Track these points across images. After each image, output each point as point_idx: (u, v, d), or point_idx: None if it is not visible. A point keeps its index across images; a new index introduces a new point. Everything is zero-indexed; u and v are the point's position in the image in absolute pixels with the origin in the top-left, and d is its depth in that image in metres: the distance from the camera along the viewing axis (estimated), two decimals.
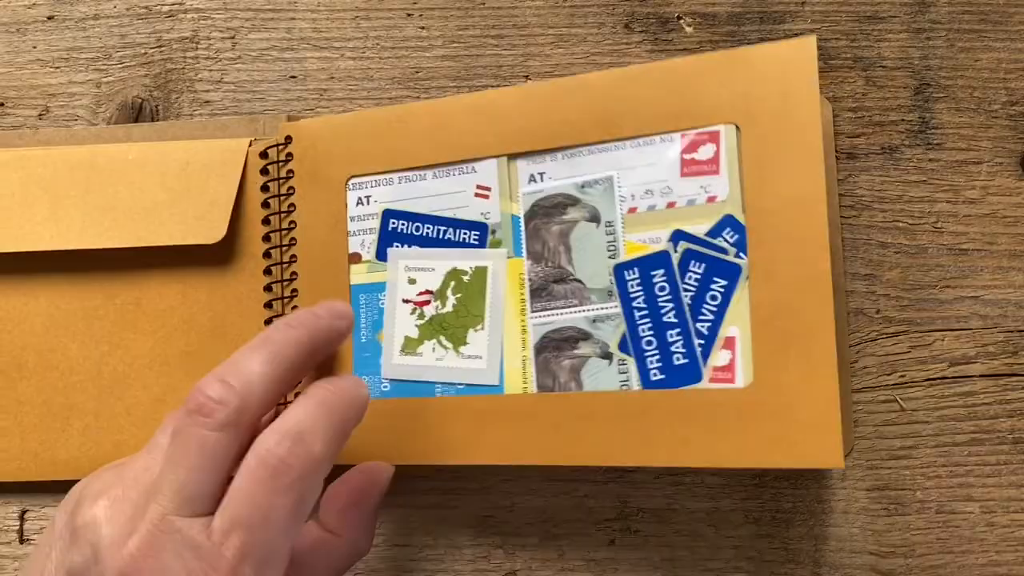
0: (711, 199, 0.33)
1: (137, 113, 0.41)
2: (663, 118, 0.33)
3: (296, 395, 0.35)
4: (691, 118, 0.33)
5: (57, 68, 0.42)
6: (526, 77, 0.41)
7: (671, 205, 0.34)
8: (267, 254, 0.39)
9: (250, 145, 0.39)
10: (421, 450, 0.36)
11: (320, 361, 0.33)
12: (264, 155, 0.39)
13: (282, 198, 0.39)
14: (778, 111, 0.31)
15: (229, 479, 0.28)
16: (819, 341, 0.30)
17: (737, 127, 0.32)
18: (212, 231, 0.38)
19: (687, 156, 0.33)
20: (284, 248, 0.39)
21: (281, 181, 0.39)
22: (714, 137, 0.33)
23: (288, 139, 0.39)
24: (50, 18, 0.42)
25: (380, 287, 0.37)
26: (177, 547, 0.27)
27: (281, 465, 0.28)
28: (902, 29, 0.40)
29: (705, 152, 0.33)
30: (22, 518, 0.40)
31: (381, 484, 0.35)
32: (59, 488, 0.39)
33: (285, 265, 0.39)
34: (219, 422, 0.28)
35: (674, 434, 0.32)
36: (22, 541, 0.40)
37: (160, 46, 0.42)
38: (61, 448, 0.39)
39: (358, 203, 0.38)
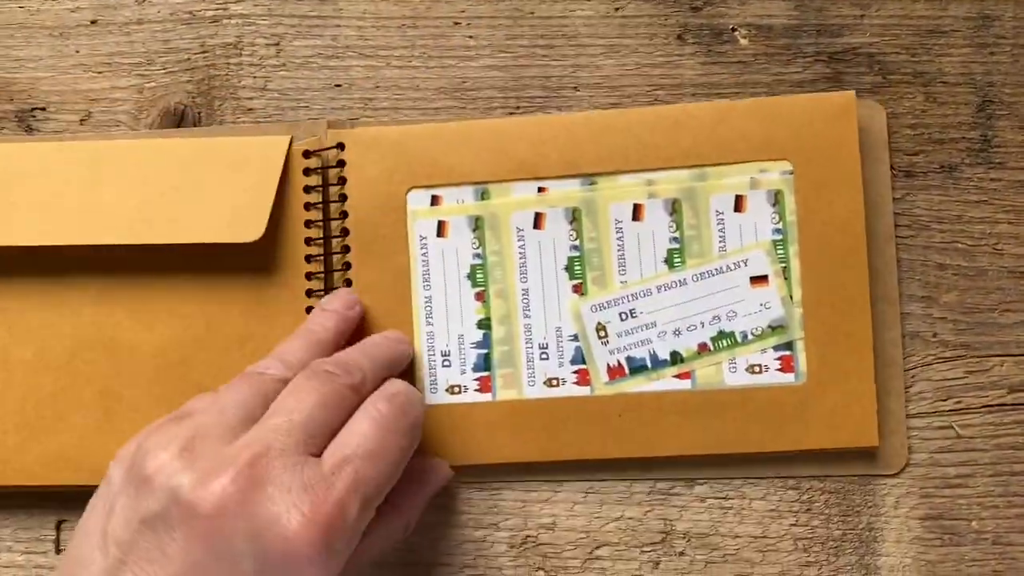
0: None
1: (179, 120, 0.41)
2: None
3: None
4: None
5: (100, 73, 0.41)
6: (575, 88, 0.40)
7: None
8: (309, 258, 0.38)
9: (291, 144, 0.39)
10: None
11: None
12: (308, 155, 0.39)
13: (332, 204, 0.39)
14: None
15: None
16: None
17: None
18: (250, 229, 0.38)
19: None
20: (335, 255, 0.39)
21: (332, 187, 0.39)
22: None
23: (340, 145, 0.39)
24: (93, 22, 0.41)
25: None
26: (282, 479, 0.28)
27: (399, 411, 0.31)
28: (965, 44, 0.39)
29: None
30: (58, 528, 0.40)
31: (442, 478, 0.37)
32: None
33: (339, 273, 0.39)
34: (353, 383, 0.32)
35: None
36: (59, 551, 0.40)
37: (204, 52, 0.41)
38: (99, 449, 0.38)
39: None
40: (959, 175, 0.39)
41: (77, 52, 0.41)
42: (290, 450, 0.29)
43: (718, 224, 0.38)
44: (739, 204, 0.38)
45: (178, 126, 0.41)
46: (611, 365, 0.38)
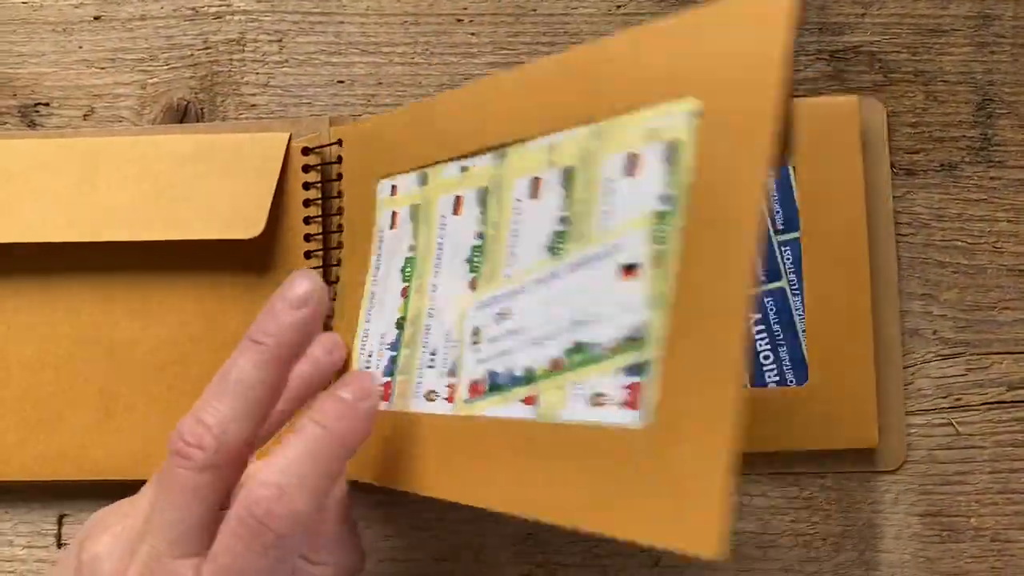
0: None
1: (182, 115, 0.41)
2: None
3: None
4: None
5: (103, 69, 0.41)
6: None
7: None
8: (308, 254, 0.39)
9: (290, 141, 0.39)
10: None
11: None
12: (306, 152, 0.39)
13: (332, 200, 0.39)
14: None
15: (222, 512, 0.28)
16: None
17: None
18: (250, 225, 0.38)
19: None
20: (334, 251, 0.39)
21: (332, 183, 0.39)
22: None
23: (339, 142, 0.39)
24: (97, 18, 0.42)
25: None
26: None
27: (260, 526, 0.27)
28: (965, 43, 0.39)
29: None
30: (60, 522, 0.40)
31: (345, 499, 0.32)
32: (97, 492, 0.39)
33: (334, 267, 0.38)
34: (199, 464, 0.28)
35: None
36: (59, 545, 0.40)
37: (207, 48, 0.41)
38: (98, 447, 0.38)
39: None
40: (959, 173, 0.39)
41: (80, 48, 0.42)
42: (171, 552, 0.28)
43: (606, 194, 0.27)
44: (631, 166, 0.27)
45: (181, 122, 0.41)
46: (475, 379, 0.30)
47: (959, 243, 0.39)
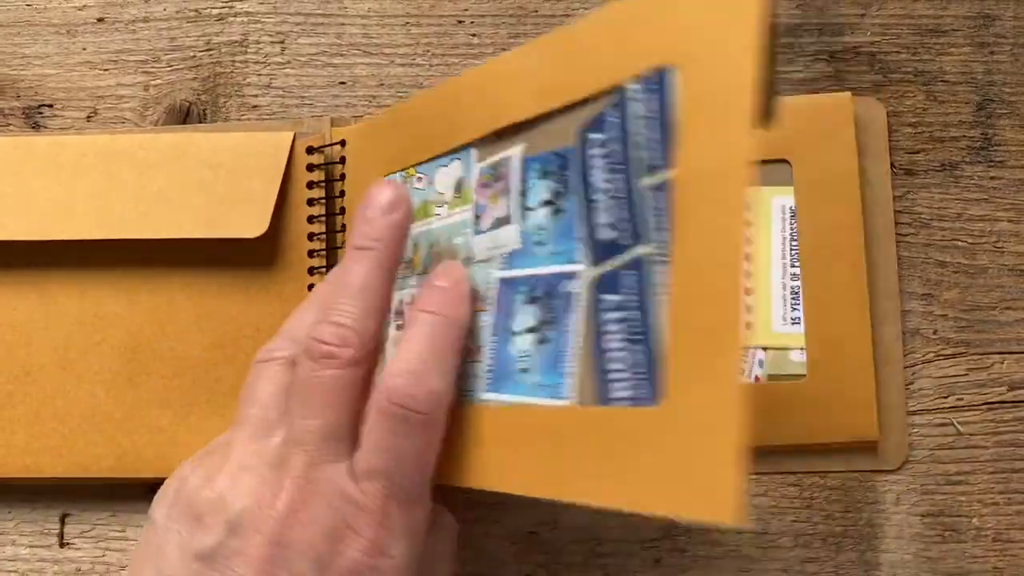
0: None
1: (185, 116, 0.41)
2: None
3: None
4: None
5: (106, 70, 0.42)
6: None
7: None
8: (311, 253, 0.39)
9: (294, 140, 0.39)
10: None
11: None
12: (311, 151, 0.39)
13: (334, 200, 0.39)
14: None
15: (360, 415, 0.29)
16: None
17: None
18: (254, 224, 0.38)
19: None
20: (338, 250, 0.39)
21: (335, 183, 0.39)
22: None
23: (343, 142, 0.39)
24: (100, 20, 0.42)
25: None
26: (328, 496, 0.28)
27: (404, 411, 0.28)
28: (965, 43, 0.39)
29: None
30: (62, 521, 0.40)
31: (450, 528, 0.34)
32: (101, 491, 0.39)
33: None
34: (348, 360, 0.29)
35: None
36: (62, 545, 0.40)
37: (209, 49, 0.41)
38: (105, 446, 0.39)
39: None
40: (959, 173, 0.39)
41: (84, 49, 0.42)
42: (326, 457, 0.28)
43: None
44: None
45: (183, 123, 0.41)
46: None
47: (960, 243, 0.39)
